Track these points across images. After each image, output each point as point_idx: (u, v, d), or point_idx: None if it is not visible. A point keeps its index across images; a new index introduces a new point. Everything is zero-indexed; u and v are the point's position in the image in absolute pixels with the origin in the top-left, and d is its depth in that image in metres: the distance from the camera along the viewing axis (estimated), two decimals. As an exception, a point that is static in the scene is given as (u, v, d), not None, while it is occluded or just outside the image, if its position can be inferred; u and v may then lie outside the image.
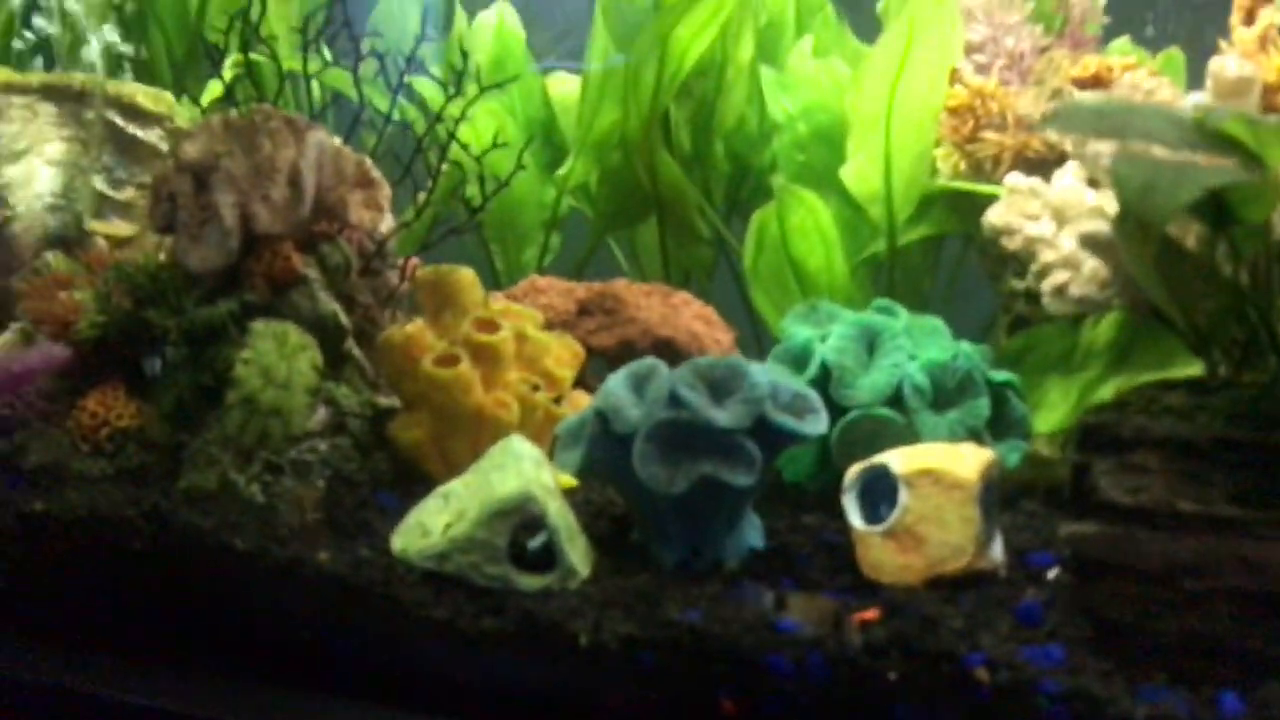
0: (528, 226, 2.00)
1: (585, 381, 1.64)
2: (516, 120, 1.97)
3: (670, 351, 1.68)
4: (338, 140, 1.64)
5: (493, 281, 2.04)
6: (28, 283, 1.63)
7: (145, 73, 2.03)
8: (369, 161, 1.58)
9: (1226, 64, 1.41)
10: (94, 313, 1.55)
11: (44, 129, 1.76)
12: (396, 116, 1.75)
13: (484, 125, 1.89)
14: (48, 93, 1.76)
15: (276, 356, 1.44)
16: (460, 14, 2.06)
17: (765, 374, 1.35)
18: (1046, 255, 1.45)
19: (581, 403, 1.57)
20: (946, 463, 1.26)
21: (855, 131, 1.65)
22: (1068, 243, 1.47)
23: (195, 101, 1.96)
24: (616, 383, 1.38)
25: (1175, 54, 1.78)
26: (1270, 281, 1.23)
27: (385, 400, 1.58)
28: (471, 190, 1.62)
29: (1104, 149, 1.44)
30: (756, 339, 1.84)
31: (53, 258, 1.71)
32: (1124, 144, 1.14)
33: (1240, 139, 1.08)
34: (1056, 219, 1.49)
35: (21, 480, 1.51)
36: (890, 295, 1.68)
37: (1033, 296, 1.56)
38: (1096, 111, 1.22)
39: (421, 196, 1.68)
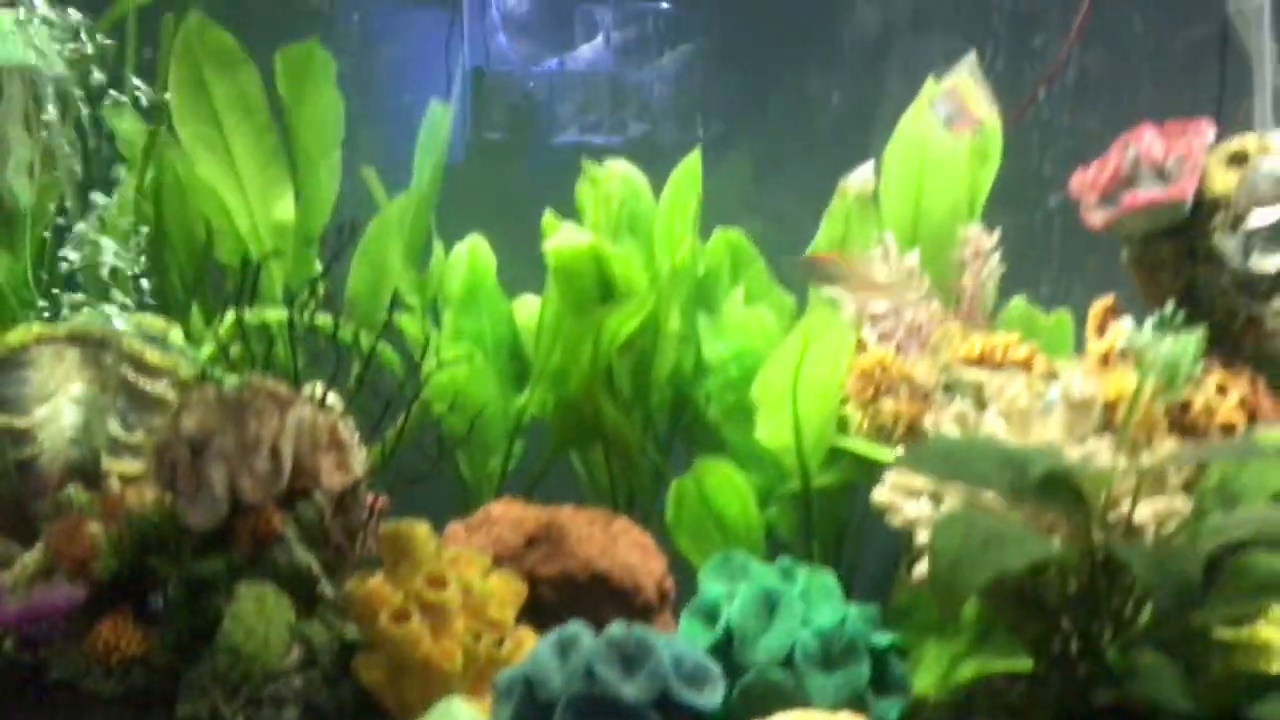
0: (493, 438, 2.24)
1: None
2: (486, 344, 2.22)
3: (606, 584, 1.91)
4: (320, 389, 1.90)
5: (460, 488, 2.29)
6: (51, 518, 1.90)
7: (159, 294, 2.29)
8: (340, 425, 1.82)
9: (1074, 383, 1.63)
10: (108, 555, 1.81)
11: (70, 371, 2.03)
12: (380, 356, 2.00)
13: (455, 351, 2.14)
14: (73, 339, 2.02)
15: (256, 617, 1.69)
16: (438, 246, 2.31)
17: (670, 647, 1.60)
18: (921, 537, 1.67)
19: (523, 641, 1.81)
20: (824, 735, 1.49)
21: (764, 408, 1.88)
22: (945, 517, 1.69)
23: (205, 317, 2.23)
24: (545, 649, 1.63)
25: (1064, 317, 2.00)
26: (1088, 606, 1.46)
27: (352, 632, 1.83)
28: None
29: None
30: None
31: (74, 490, 1.97)
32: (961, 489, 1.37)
33: (1065, 482, 1.31)
34: (934, 498, 1.72)
35: (43, 694, 1.79)
36: (808, 528, 1.90)
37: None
38: (940, 454, 1.46)
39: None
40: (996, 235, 2.01)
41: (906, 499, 1.73)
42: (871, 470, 1.92)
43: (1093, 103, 2.35)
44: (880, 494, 1.76)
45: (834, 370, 1.84)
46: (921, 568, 1.67)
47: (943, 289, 1.98)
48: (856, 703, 1.64)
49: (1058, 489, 1.42)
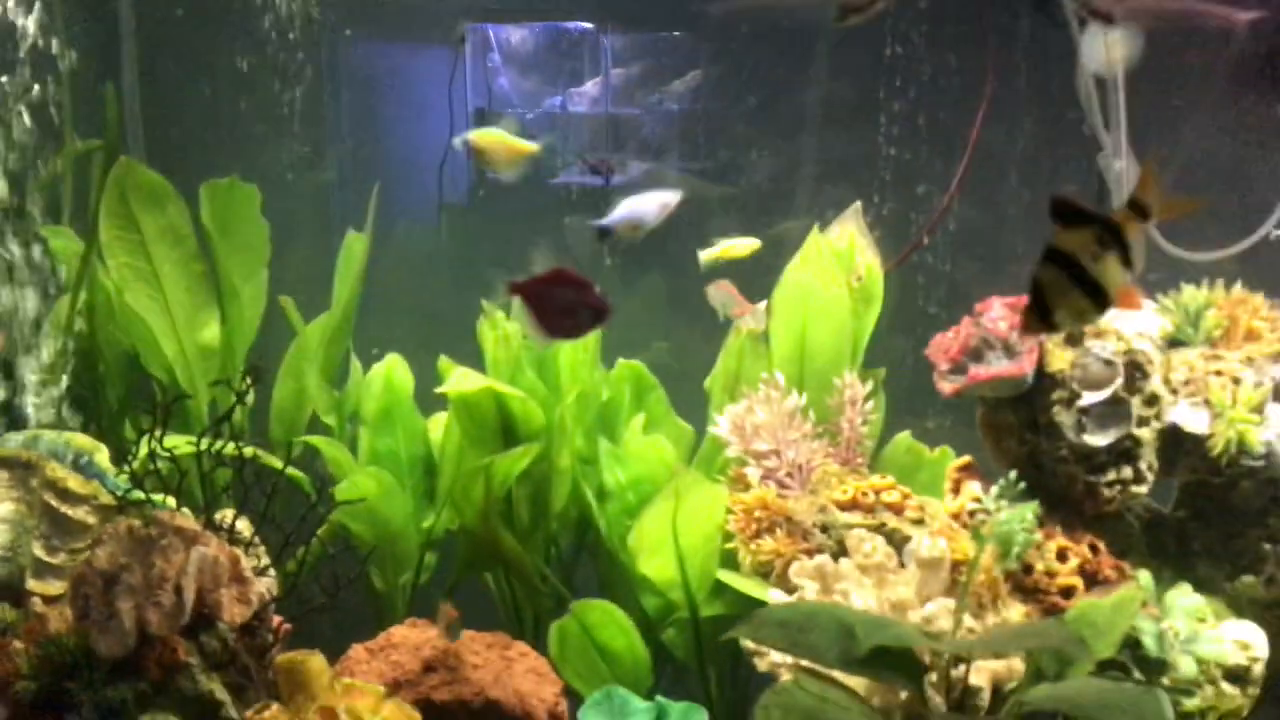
0: (406, 551, 2.37)
1: None
2: (400, 461, 2.36)
3: (498, 711, 2.04)
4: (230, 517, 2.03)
5: (372, 601, 2.42)
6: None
7: (89, 409, 2.42)
8: (242, 560, 1.96)
9: (922, 543, 1.75)
10: (29, 679, 1.95)
11: (-2, 492, 2.16)
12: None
13: (365, 479, 2.26)
14: (2, 463, 2.16)
15: (159, 747, 1.83)
16: (356, 365, 2.45)
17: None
18: (785, 678, 1.79)
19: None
20: None
21: (645, 549, 2.02)
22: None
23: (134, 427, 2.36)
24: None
25: (945, 452, 2.13)
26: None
27: (257, 755, 1.95)
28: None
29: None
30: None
31: (1, 609, 2.10)
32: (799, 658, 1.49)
33: (896, 654, 1.44)
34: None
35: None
36: (701, 653, 2.03)
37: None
38: (778, 623, 1.58)
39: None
40: (870, 385, 2.14)
41: (771, 648, 1.86)
42: (750, 606, 2.05)
43: (971, 250, 2.49)
44: (748, 640, 1.89)
45: (710, 517, 1.97)
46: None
47: (828, 429, 2.11)
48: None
49: (889, 660, 1.55)
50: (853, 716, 1.47)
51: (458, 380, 2.13)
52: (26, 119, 2.39)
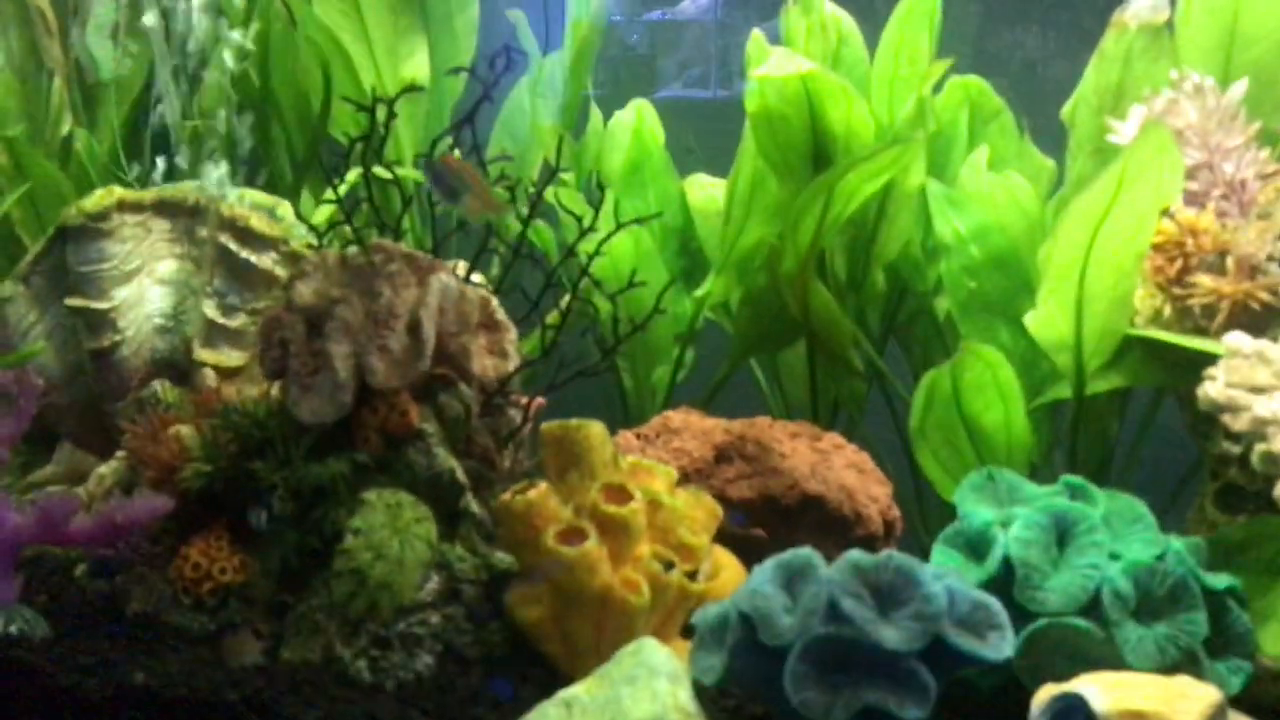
0: (660, 342, 1.88)
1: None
2: (652, 229, 1.84)
3: (819, 509, 1.53)
4: (463, 268, 1.54)
5: (620, 402, 1.92)
6: (133, 420, 1.58)
7: (265, 169, 1.97)
8: (494, 302, 1.47)
9: None
10: (200, 462, 1.48)
11: (156, 246, 1.72)
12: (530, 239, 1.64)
13: (619, 240, 1.76)
14: (161, 208, 1.72)
15: (389, 532, 1.36)
16: (596, 113, 1.95)
17: (940, 580, 1.21)
18: (1278, 443, 1.25)
19: (722, 571, 1.43)
20: (1163, 705, 1.09)
21: (1047, 281, 1.47)
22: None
23: (317, 202, 1.90)
24: (764, 579, 1.25)
25: None
26: None
27: (503, 559, 1.47)
28: (605, 310, 1.50)
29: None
30: (917, 493, 1.67)
31: (160, 387, 1.65)
32: None
33: None
34: (1289, 393, 1.29)
35: (121, 631, 1.46)
36: (1072, 447, 1.49)
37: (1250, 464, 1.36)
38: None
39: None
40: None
41: (1252, 395, 1.31)
42: (1169, 371, 1.50)
43: None
44: (1214, 388, 1.34)
45: (1143, 227, 1.41)
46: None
47: (1272, 137, 1.54)
48: (1188, 663, 1.23)
49: None
50: None
51: (775, 62, 1.59)
52: None
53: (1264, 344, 1.34)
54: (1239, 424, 1.29)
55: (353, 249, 1.49)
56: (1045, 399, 1.60)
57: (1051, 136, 1.72)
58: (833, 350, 1.72)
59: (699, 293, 1.84)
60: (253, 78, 1.95)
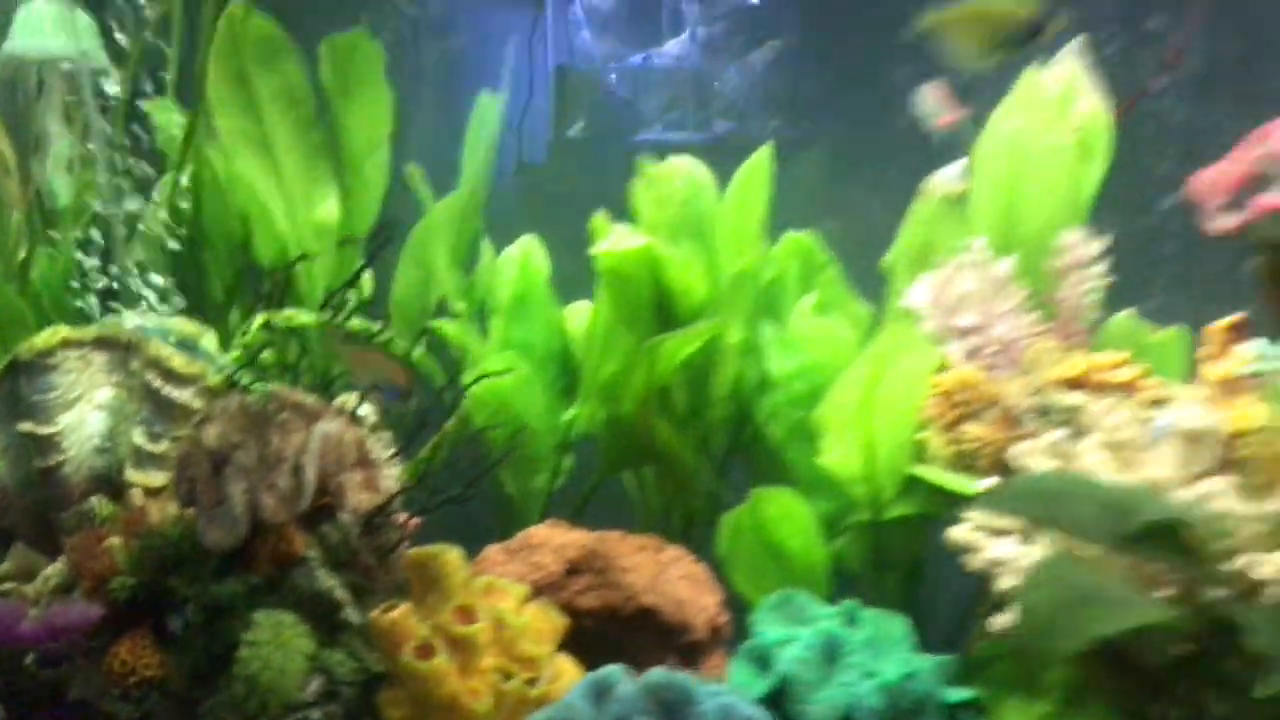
0: (539, 453, 2.13)
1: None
2: (535, 353, 2.11)
3: (655, 618, 1.79)
4: (353, 403, 1.81)
5: (506, 505, 2.18)
6: (74, 530, 1.84)
7: (197, 296, 2.23)
8: (369, 443, 1.73)
9: (1190, 412, 1.45)
10: (127, 575, 1.75)
11: (95, 376, 1.98)
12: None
13: (503, 361, 2.02)
14: (99, 344, 1.97)
15: (273, 646, 1.62)
16: (488, 248, 2.21)
17: (715, 696, 1.47)
18: (1005, 582, 1.50)
19: (561, 676, 1.69)
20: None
21: (831, 431, 1.73)
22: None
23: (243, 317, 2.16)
24: (578, 695, 1.51)
25: (1176, 333, 1.80)
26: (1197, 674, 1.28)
27: (380, 664, 1.72)
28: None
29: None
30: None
31: (97, 502, 1.91)
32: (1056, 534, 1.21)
33: (1176, 532, 1.14)
34: (1022, 537, 1.55)
35: (65, 714, 1.74)
36: (878, 562, 1.74)
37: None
38: (1032, 494, 1.29)
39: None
40: (1100, 243, 1.82)
41: (990, 538, 1.57)
42: (951, 503, 1.76)
43: (1216, 94, 2.14)
44: (960, 532, 1.60)
45: (913, 392, 1.68)
46: (1004, 618, 1.51)
47: (1039, 302, 1.80)
48: (926, 766, 1.48)
49: (1166, 539, 1.25)
50: (1133, 602, 1.18)
51: (615, 239, 1.86)
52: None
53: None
54: (975, 563, 1.55)
55: (254, 394, 1.75)
56: (849, 522, 1.85)
57: (877, 280, 1.98)
58: (676, 475, 1.98)
59: (567, 416, 2.11)
60: (187, 211, 2.22)
